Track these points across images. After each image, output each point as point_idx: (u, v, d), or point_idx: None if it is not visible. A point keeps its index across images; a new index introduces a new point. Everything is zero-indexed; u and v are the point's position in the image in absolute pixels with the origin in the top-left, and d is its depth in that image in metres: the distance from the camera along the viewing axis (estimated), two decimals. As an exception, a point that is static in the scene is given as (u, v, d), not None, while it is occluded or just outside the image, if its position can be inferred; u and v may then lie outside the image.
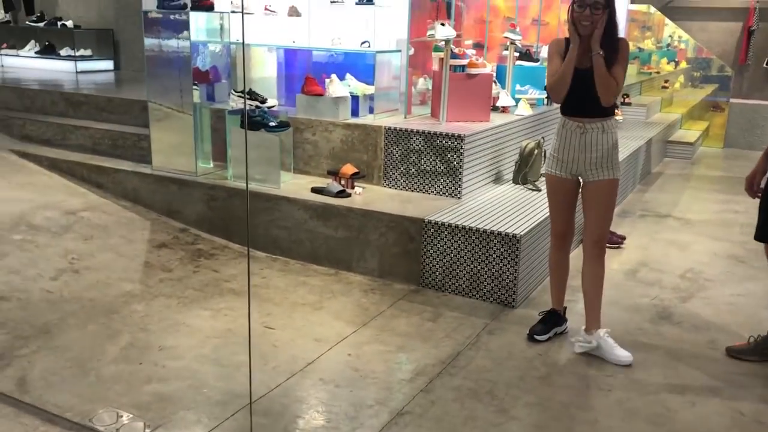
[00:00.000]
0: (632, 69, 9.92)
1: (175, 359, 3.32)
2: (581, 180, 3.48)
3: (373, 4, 5.79)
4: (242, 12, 4.95)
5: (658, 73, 11.24)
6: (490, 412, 2.98)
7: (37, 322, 3.63)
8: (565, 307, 3.76)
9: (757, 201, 3.50)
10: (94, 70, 9.37)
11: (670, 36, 11.71)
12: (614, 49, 3.27)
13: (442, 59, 5.17)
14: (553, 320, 3.69)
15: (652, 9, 10.56)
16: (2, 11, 10.24)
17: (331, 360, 3.38)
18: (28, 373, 3.14)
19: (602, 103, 3.32)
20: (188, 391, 3.04)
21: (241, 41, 6.15)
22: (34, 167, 5.90)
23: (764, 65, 9.93)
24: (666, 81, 11.23)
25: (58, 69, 9.22)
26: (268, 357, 3.36)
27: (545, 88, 5.81)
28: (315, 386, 3.13)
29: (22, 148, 6.16)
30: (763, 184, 3.48)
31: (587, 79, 3.28)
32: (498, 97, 5.83)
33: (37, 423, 2.78)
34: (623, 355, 3.43)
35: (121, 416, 2.83)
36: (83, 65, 9.26)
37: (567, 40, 3.36)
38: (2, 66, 9.66)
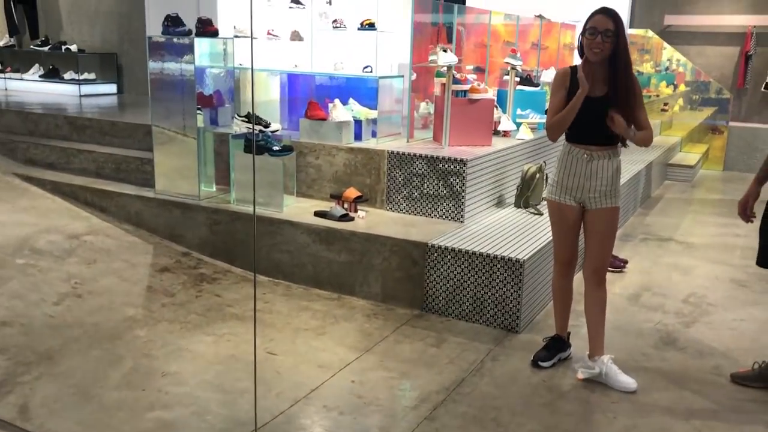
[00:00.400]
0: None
1: (179, 385, 3.31)
2: (585, 207, 3.48)
3: (375, 29, 5.86)
4: (251, 37, 5.01)
5: (657, 96, 11.31)
6: (495, 439, 2.96)
7: (40, 348, 3.62)
8: (569, 333, 3.75)
9: (756, 225, 3.50)
10: (98, 94, 9.44)
11: (668, 59, 11.80)
12: (629, 85, 3.28)
13: (444, 84, 5.22)
14: (557, 346, 3.68)
15: (650, 33, 10.66)
16: (7, 35, 10.34)
17: (335, 386, 3.36)
18: (30, 400, 3.12)
19: (642, 147, 3.46)
20: (192, 418, 3.03)
21: (244, 65, 6.22)
22: (38, 191, 5.91)
23: (762, 89, 9.99)
24: (665, 104, 11.30)
25: (61, 92, 9.29)
26: (272, 383, 3.35)
27: (546, 112, 5.85)
28: (319, 413, 3.12)
29: (25, 172, 6.19)
30: (757, 209, 3.48)
31: (597, 108, 3.28)
32: (499, 122, 5.87)
33: (40, 451, 2.77)
34: (627, 381, 3.42)
35: (124, 444, 2.81)
36: (87, 89, 9.33)
37: (573, 69, 3.38)
38: (6, 89, 9.73)
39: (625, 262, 5.35)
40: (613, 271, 5.18)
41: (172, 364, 3.52)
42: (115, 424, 2.96)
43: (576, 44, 3.38)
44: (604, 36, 3.20)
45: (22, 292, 4.22)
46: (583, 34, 3.28)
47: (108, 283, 4.52)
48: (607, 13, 3.23)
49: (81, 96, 9.11)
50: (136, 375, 3.40)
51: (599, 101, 3.29)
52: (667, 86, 11.81)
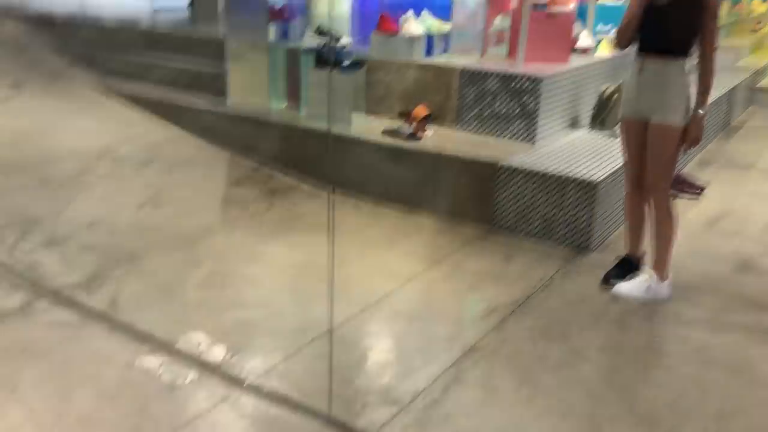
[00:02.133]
0: (721, 10, 9.32)
1: (255, 287, 3.45)
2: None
3: (451, -61, 5.62)
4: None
5: (749, 14, 10.55)
6: (563, 352, 2.98)
7: (125, 248, 3.81)
8: (644, 254, 3.68)
9: None
10: (171, 9, 9.48)
11: (764, -26, 10.92)
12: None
13: (522, -3, 5.00)
14: (628, 266, 3.63)
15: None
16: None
17: (404, 295, 3.44)
18: (119, 294, 3.32)
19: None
20: (268, 317, 3.17)
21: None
22: (115, 103, 6.09)
23: None
24: (758, 22, 10.54)
25: (135, 6, 9.37)
26: (343, 289, 3.43)
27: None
28: (388, 319, 3.21)
29: (103, 84, 6.35)
30: None
31: (659, 15, 3.20)
32: (578, 38, 5.62)
33: (128, 339, 2.96)
34: (627, 287, 3.47)
35: (205, 339, 2.97)
36: (160, 3, 9.38)
37: None
38: (83, 3, 9.88)
39: (703, 188, 5.16)
40: (689, 198, 5.01)
41: (248, 268, 3.67)
42: (196, 320, 3.13)
43: None
44: None
45: (106, 196, 4.43)
46: None
47: (184, 192, 4.68)
48: None
49: (154, 10, 9.18)
50: (214, 276, 3.56)
51: (662, 8, 3.20)
52: (762, 3, 10.96)
